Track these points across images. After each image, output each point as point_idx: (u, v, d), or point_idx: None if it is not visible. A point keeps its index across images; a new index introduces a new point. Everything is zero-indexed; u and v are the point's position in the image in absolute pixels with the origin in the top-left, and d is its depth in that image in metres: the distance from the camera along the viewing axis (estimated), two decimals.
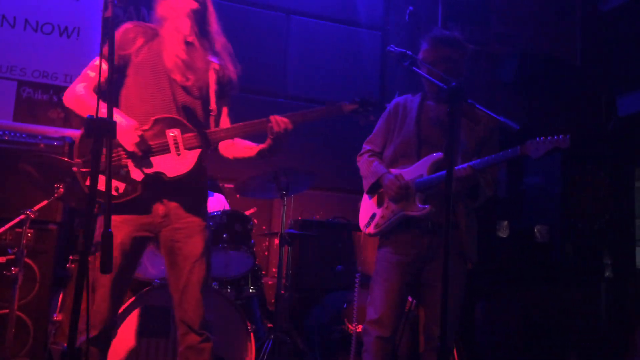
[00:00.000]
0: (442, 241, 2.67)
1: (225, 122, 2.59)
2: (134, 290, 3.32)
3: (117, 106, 2.39)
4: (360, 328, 3.74)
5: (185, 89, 2.41)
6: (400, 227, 2.80)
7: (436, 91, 2.82)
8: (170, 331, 3.06)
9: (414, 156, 2.80)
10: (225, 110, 2.60)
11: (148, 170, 2.29)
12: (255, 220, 3.69)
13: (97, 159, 1.82)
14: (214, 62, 2.53)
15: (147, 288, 3.16)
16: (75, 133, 2.51)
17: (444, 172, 2.63)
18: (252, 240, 3.62)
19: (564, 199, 5.36)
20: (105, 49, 2.35)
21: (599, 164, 5.59)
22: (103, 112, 1.83)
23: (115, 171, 2.27)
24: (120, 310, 2.98)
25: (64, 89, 2.83)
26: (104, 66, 1.88)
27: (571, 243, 5.31)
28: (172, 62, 2.38)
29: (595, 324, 5.04)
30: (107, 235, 1.78)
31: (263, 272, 3.90)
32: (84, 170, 2.25)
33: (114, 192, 2.26)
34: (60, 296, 3.53)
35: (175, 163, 2.31)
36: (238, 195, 3.99)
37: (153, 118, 2.31)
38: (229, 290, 3.58)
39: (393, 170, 2.85)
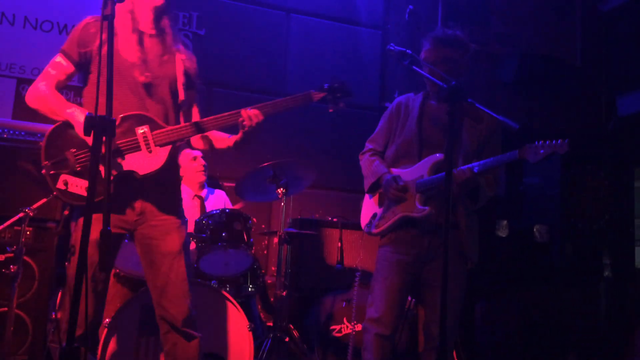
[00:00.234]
0: (442, 241, 2.67)
1: (195, 114, 2.56)
2: (133, 289, 3.32)
3: (82, 105, 2.36)
4: (359, 327, 3.74)
5: (150, 84, 2.37)
6: (400, 226, 2.79)
7: (437, 90, 2.81)
8: None
9: (415, 156, 2.80)
10: (194, 101, 2.56)
11: (119, 169, 2.26)
12: (254, 219, 3.69)
13: (96, 157, 1.81)
14: (180, 54, 2.48)
15: (145, 287, 3.15)
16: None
17: (443, 173, 2.63)
18: (251, 239, 3.62)
19: (563, 199, 5.36)
20: (65, 45, 2.35)
21: (599, 164, 5.59)
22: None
23: (85, 171, 2.23)
24: (119, 309, 2.98)
25: None
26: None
27: (571, 243, 5.31)
28: (132, 58, 2.33)
29: (594, 324, 5.04)
30: (106, 234, 1.77)
31: (262, 271, 3.89)
32: (53, 172, 2.22)
33: (84, 193, 2.22)
34: (59, 294, 3.52)
35: (147, 160, 2.28)
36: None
37: (121, 115, 2.26)
38: (228, 288, 3.58)
39: (394, 170, 2.85)
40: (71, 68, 2.35)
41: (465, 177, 2.57)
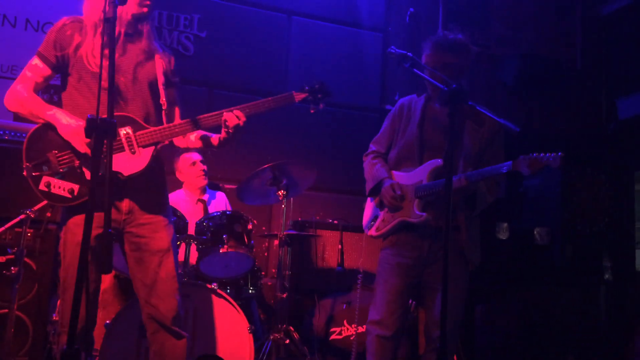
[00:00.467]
0: (441, 244, 2.67)
1: (176, 113, 2.56)
2: (133, 291, 3.31)
3: (61, 107, 2.35)
4: (360, 329, 3.75)
5: (131, 85, 2.36)
6: (400, 230, 2.80)
7: (438, 93, 2.81)
8: None
9: (417, 159, 2.80)
10: (174, 100, 2.55)
11: (103, 170, 2.26)
12: (255, 221, 3.69)
13: (97, 159, 1.82)
14: (158, 53, 2.47)
15: None
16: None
17: (442, 179, 2.64)
18: (252, 241, 3.62)
19: (563, 201, 5.36)
20: (42, 47, 2.34)
21: (599, 166, 5.59)
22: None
23: (69, 172, 2.23)
24: (119, 311, 2.98)
25: None
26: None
27: (571, 245, 5.31)
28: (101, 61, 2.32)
29: (594, 326, 5.04)
30: (107, 236, 1.78)
31: (262, 273, 3.90)
32: (35, 174, 2.22)
33: (68, 195, 2.22)
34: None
35: (130, 161, 2.28)
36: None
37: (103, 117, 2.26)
38: (228, 290, 3.58)
39: (395, 173, 2.86)
40: (48, 71, 2.34)
41: (461, 186, 2.58)
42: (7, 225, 3.00)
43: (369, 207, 2.99)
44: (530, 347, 4.64)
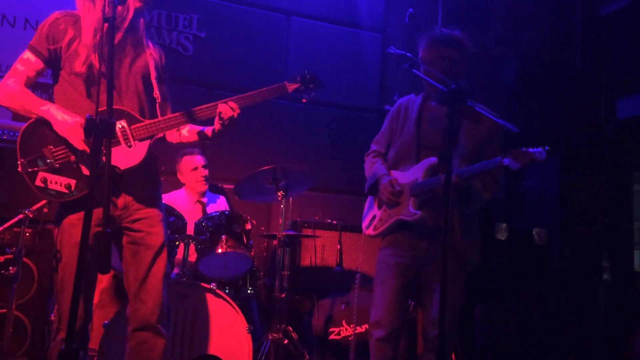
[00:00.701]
0: (438, 244, 2.67)
1: (169, 108, 2.55)
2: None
3: (53, 101, 2.33)
4: (359, 329, 3.75)
5: (125, 79, 2.36)
6: (399, 229, 2.80)
7: (436, 93, 2.81)
8: (167, 331, 3.05)
9: (414, 159, 2.80)
10: (166, 95, 2.54)
11: (100, 165, 2.26)
12: (254, 221, 3.69)
13: (96, 159, 1.82)
14: (149, 48, 2.48)
15: None
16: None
17: (436, 177, 2.64)
18: (251, 241, 3.62)
19: (562, 202, 5.37)
20: (34, 41, 2.34)
21: (598, 167, 5.60)
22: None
23: (65, 168, 2.22)
24: (118, 311, 2.98)
25: None
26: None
27: (570, 245, 5.32)
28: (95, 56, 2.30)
29: (593, 327, 5.04)
30: (105, 235, 1.77)
31: (261, 273, 3.89)
32: (30, 170, 2.20)
33: (65, 190, 2.21)
34: None
35: (127, 155, 2.27)
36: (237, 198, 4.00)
37: (98, 110, 2.25)
38: (227, 290, 3.58)
39: (393, 173, 2.86)
40: (40, 64, 2.32)
41: (453, 182, 2.57)
42: (5, 225, 3.00)
43: (368, 206, 3.00)
44: (530, 347, 4.65)
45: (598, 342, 5.01)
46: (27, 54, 2.33)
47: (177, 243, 3.39)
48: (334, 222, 4.44)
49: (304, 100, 2.59)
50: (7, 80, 2.30)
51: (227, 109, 2.36)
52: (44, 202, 2.93)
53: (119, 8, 2.28)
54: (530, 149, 2.40)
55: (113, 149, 2.23)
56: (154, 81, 2.44)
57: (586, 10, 5.91)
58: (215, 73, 4.89)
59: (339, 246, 4.17)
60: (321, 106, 5.15)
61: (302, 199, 4.65)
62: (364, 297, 3.68)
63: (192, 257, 3.52)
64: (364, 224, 2.97)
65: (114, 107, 2.27)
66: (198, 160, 4.13)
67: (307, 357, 3.60)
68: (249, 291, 3.72)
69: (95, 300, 3.16)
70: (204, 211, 4.13)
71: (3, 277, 3.01)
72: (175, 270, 3.59)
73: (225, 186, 4.66)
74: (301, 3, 5.24)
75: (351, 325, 3.82)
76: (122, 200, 2.35)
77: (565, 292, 4.92)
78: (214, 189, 4.45)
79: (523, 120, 5.44)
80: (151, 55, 2.46)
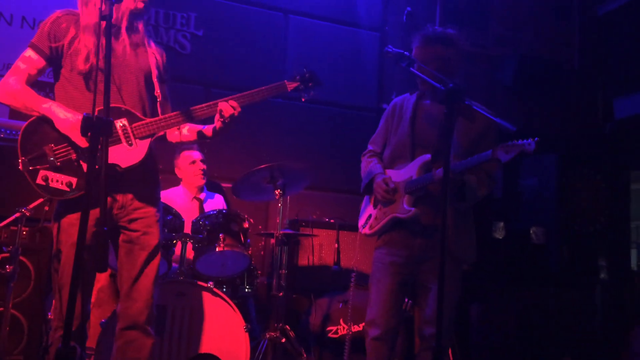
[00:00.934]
0: (433, 242, 2.68)
1: (169, 107, 2.55)
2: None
3: (54, 99, 2.34)
4: (355, 328, 3.75)
5: (126, 77, 2.37)
6: (393, 228, 2.80)
7: (433, 91, 2.81)
8: (164, 330, 3.05)
9: (409, 157, 2.80)
10: (167, 94, 2.56)
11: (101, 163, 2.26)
12: (251, 220, 3.69)
13: (94, 158, 1.81)
14: (152, 48, 2.49)
15: None
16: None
17: (429, 173, 2.64)
18: (248, 240, 3.62)
19: (560, 201, 5.36)
20: (35, 39, 2.34)
21: (596, 166, 5.60)
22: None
23: (67, 166, 2.22)
24: (115, 309, 2.98)
25: None
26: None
27: (567, 245, 5.32)
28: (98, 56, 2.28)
29: (590, 326, 5.05)
30: (102, 234, 1.78)
31: (259, 272, 3.89)
32: (31, 168, 2.20)
33: (67, 188, 2.21)
34: None
35: (128, 153, 2.28)
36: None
37: (98, 109, 2.21)
38: (224, 289, 3.57)
39: (389, 172, 2.86)
40: (42, 62, 2.33)
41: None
42: (2, 224, 2.99)
43: (364, 205, 3.00)
44: (527, 347, 4.65)
45: (596, 341, 5.01)
46: (29, 52, 2.34)
47: (174, 242, 3.39)
48: (332, 221, 4.44)
49: (303, 100, 2.60)
50: (9, 78, 2.31)
51: (228, 107, 2.37)
52: (41, 200, 2.92)
53: (116, 6, 2.29)
54: (520, 141, 2.41)
55: (114, 148, 2.25)
56: (155, 80, 2.45)
57: (584, 10, 5.92)
58: (212, 72, 4.89)
59: (336, 245, 4.17)
60: (319, 105, 5.15)
61: (300, 198, 4.65)
62: (360, 295, 3.68)
63: (190, 255, 3.51)
64: (360, 223, 2.97)
65: (116, 105, 2.28)
66: (196, 155, 4.15)
67: (305, 355, 3.60)
68: (246, 290, 3.72)
69: (93, 299, 3.16)
70: (201, 209, 4.13)
71: (0, 276, 3.01)
72: (175, 265, 3.59)
73: (223, 185, 4.66)
74: (299, 1, 5.23)
75: (348, 324, 3.82)
76: (121, 199, 2.36)
77: (563, 292, 4.93)
78: (212, 187, 4.45)
79: (522, 120, 5.45)
80: (153, 55, 2.48)
